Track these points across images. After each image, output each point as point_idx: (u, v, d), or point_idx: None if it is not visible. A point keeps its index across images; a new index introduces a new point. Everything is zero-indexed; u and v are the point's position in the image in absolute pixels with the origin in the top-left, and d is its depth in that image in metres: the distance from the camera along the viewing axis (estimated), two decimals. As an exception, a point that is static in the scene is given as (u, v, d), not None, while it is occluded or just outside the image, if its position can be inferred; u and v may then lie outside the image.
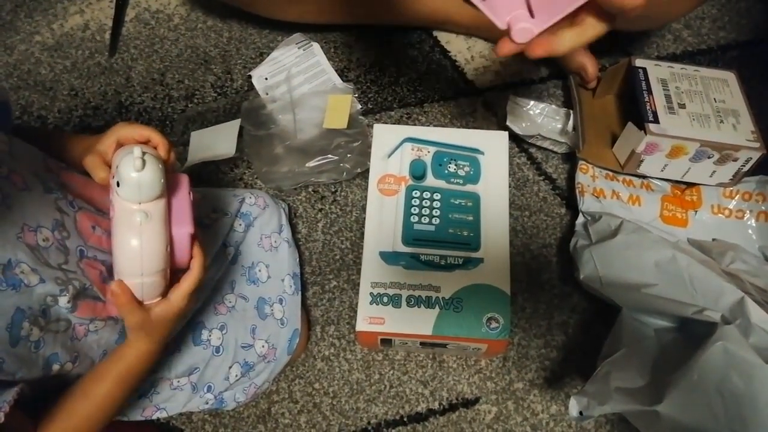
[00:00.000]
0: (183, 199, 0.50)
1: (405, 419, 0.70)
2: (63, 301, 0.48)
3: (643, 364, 0.58)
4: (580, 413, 0.57)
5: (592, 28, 0.41)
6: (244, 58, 0.90)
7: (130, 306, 0.48)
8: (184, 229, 0.49)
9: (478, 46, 0.90)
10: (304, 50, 0.87)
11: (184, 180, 0.52)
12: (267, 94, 0.85)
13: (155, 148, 0.51)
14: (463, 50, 0.89)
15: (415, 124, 0.84)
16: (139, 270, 0.47)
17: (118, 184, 0.46)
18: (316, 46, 0.88)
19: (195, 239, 0.51)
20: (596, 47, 0.82)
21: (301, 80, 0.86)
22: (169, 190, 0.49)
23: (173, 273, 0.51)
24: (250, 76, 0.87)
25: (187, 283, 0.50)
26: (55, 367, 0.49)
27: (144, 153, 0.45)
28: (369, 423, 0.70)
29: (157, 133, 0.52)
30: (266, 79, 0.86)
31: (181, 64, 0.90)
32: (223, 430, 0.69)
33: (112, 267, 0.53)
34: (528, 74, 0.88)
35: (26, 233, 0.47)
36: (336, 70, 0.87)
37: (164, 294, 0.50)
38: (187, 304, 0.51)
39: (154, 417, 0.63)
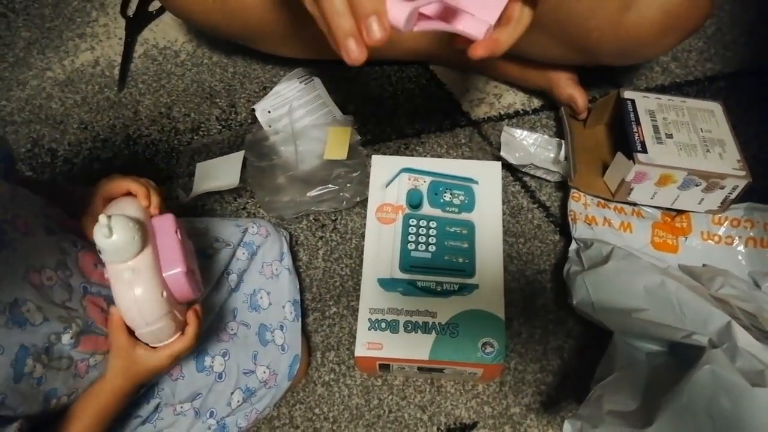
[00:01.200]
0: (170, 240, 0.53)
1: (404, 444, 0.71)
2: (66, 338, 0.50)
3: (635, 387, 0.59)
4: (574, 436, 0.58)
5: (522, 17, 0.44)
6: (248, 92, 0.93)
7: (120, 330, 0.52)
8: (175, 270, 0.52)
9: (473, 79, 0.93)
10: (305, 84, 0.91)
11: (170, 220, 0.54)
12: (270, 126, 0.88)
13: (136, 196, 0.54)
14: (459, 83, 0.93)
15: (412, 155, 0.87)
16: (143, 321, 0.51)
17: (99, 252, 0.49)
18: (317, 81, 0.91)
19: (193, 274, 0.54)
20: (586, 80, 0.85)
21: (302, 113, 0.89)
22: (154, 234, 0.52)
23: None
24: (253, 110, 0.90)
25: (177, 346, 0.54)
26: (53, 401, 0.50)
27: (109, 218, 0.47)
28: (368, 448, 0.71)
29: (135, 182, 0.55)
30: (269, 112, 0.89)
31: (187, 98, 0.93)
32: (225, 455, 0.71)
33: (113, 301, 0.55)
34: (521, 106, 0.91)
35: (31, 274, 0.48)
36: (336, 103, 0.90)
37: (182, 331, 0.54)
38: (171, 363, 0.54)
39: (158, 442, 0.65)
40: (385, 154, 0.87)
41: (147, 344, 0.54)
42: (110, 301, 0.55)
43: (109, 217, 0.47)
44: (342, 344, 0.76)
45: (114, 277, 0.50)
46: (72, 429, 0.52)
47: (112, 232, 0.48)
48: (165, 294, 0.51)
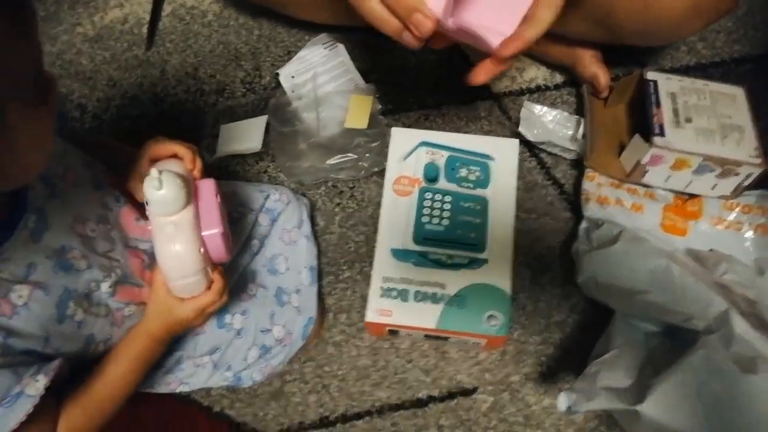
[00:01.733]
0: (211, 202, 0.56)
1: (406, 404, 0.75)
2: (105, 286, 0.54)
3: (630, 365, 0.62)
4: (569, 408, 0.61)
5: (546, 11, 0.49)
6: (272, 56, 0.94)
7: (162, 283, 0.56)
8: (213, 230, 0.55)
9: (497, 51, 0.93)
10: (329, 50, 0.92)
11: (211, 184, 0.57)
12: (293, 91, 0.90)
13: (182, 159, 0.57)
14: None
15: (432, 126, 0.88)
16: (180, 273, 0.54)
17: (147, 203, 0.52)
18: (341, 47, 0.92)
19: (227, 238, 0.57)
20: (610, 58, 0.85)
21: (326, 79, 0.90)
22: (196, 195, 0.55)
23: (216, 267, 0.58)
24: (277, 74, 0.91)
25: (204, 300, 0.57)
26: (92, 347, 0.55)
27: (161, 172, 0.51)
28: (373, 406, 0.75)
29: (182, 146, 0.58)
30: (293, 77, 0.91)
31: (213, 60, 0.95)
32: (239, 404, 0.75)
33: (153, 255, 0.59)
34: (543, 81, 0.91)
35: (77, 224, 0.52)
36: (359, 71, 0.91)
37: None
38: (197, 318, 0.58)
39: (178, 390, 0.70)
40: (405, 124, 0.88)
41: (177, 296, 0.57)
42: (149, 254, 0.59)
43: (161, 171, 0.51)
44: (353, 307, 0.79)
45: (157, 229, 0.53)
46: (110, 369, 0.57)
47: (162, 185, 0.51)
48: (201, 251, 0.55)
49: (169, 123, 0.91)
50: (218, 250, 0.57)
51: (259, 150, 0.82)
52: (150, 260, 0.59)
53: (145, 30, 0.97)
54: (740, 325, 0.58)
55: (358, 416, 0.75)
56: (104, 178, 0.58)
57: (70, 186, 0.53)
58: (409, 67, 0.93)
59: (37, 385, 0.47)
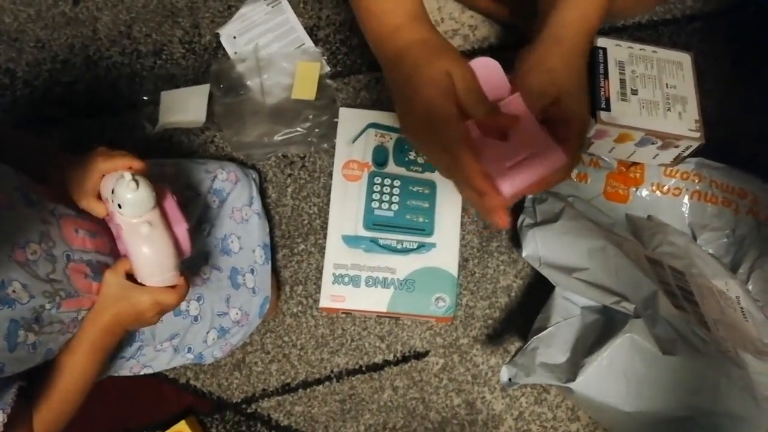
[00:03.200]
0: (170, 202, 0.58)
1: (364, 368, 0.80)
2: (49, 306, 0.53)
3: (566, 341, 0.67)
4: (509, 380, 0.67)
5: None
6: (211, 12, 0.89)
7: (116, 273, 0.57)
8: (181, 226, 0.58)
9: (449, 6, 0.89)
10: (273, 7, 0.87)
11: (166, 188, 0.59)
12: (235, 53, 0.85)
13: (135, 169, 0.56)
14: (433, 11, 0.89)
15: (382, 91, 0.86)
16: (159, 270, 0.56)
17: (119, 206, 0.53)
18: (285, 3, 0.87)
19: (192, 233, 0.59)
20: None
21: (269, 39, 0.86)
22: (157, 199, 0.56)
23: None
24: (218, 34, 0.86)
25: (164, 296, 0.58)
26: (51, 357, 0.56)
27: (133, 175, 0.52)
28: (332, 371, 0.80)
29: (134, 159, 0.57)
30: (234, 37, 0.86)
31: (147, 16, 0.88)
32: (203, 376, 0.79)
33: (96, 265, 0.59)
34: (496, 40, 0.89)
35: (16, 251, 0.51)
36: (305, 28, 0.87)
37: None
38: (150, 307, 0.58)
39: (142, 373, 0.72)
40: (355, 88, 0.86)
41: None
42: (93, 266, 0.58)
43: (132, 174, 0.52)
44: (309, 279, 0.82)
45: (130, 232, 0.55)
46: (68, 363, 0.57)
47: (139, 185, 0.52)
48: (174, 247, 0.57)
49: (105, 89, 0.86)
50: (186, 244, 0.59)
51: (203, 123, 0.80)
52: (93, 272, 0.58)
53: (69, -19, 0.89)
54: (665, 307, 0.63)
55: (318, 382, 0.79)
56: (34, 190, 0.56)
57: (2, 210, 0.51)
58: (358, 24, 0.88)
59: None
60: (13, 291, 0.50)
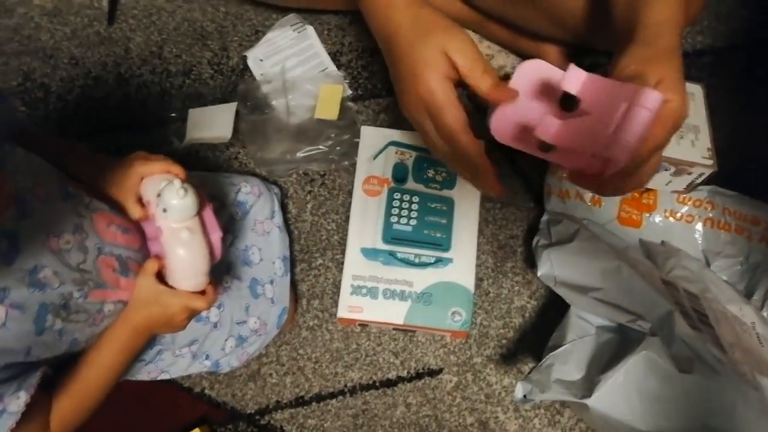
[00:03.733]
0: (208, 210, 0.62)
1: (377, 384, 0.80)
2: (77, 295, 0.55)
3: (581, 359, 0.68)
4: (524, 396, 0.67)
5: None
6: (240, 36, 0.93)
7: (149, 274, 0.59)
8: (216, 234, 0.61)
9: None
10: (298, 33, 0.90)
11: (204, 194, 0.61)
12: (262, 75, 0.89)
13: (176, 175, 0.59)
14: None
15: (401, 114, 0.89)
16: (193, 274, 0.59)
17: (164, 210, 0.56)
18: (310, 29, 0.90)
19: (225, 240, 0.62)
20: (578, 50, 0.86)
21: (294, 62, 0.89)
22: None
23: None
24: (245, 57, 0.90)
25: (194, 301, 0.60)
26: (75, 348, 0.57)
27: (182, 182, 0.55)
28: (346, 386, 0.80)
29: (174, 164, 0.60)
30: (261, 60, 0.89)
31: (178, 38, 0.92)
32: (218, 386, 0.80)
33: (125, 261, 0.61)
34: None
35: (50, 240, 0.53)
36: (329, 53, 0.91)
37: None
38: (179, 311, 0.60)
39: (159, 378, 0.73)
40: (374, 111, 0.89)
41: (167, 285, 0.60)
42: (122, 261, 0.60)
43: (182, 181, 0.56)
44: (326, 293, 0.83)
45: (170, 236, 0.58)
46: (95, 359, 0.59)
47: (187, 193, 0.55)
48: (209, 253, 0.60)
49: (136, 105, 0.89)
50: (219, 251, 0.62)
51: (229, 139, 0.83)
52: (121, 267, 0.60)
53: (105, 3, 0.93)
54: (681, 327, 0.64)
55: (332, 395, 0.80)
56: (70, 185, 0.59)
57: (40, 202, 0.53)
58: (379, 50, 0.92)
59: (18, 401, 0.50)
60: (44, 276, 0.52)
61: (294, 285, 0.83)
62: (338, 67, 0.90)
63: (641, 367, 0.61)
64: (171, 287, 0.60)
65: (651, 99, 0.44)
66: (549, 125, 0.48)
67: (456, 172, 0.55)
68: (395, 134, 0.74)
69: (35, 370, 0.53)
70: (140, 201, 0.61)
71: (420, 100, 0.52)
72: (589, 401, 0.62)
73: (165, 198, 0.56)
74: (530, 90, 0.53)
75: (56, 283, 0.53)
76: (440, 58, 0.50)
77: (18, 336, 0.50)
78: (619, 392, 0.62)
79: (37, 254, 0.52)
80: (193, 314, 0.62)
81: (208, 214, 0.62)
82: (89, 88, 0.90)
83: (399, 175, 0.73)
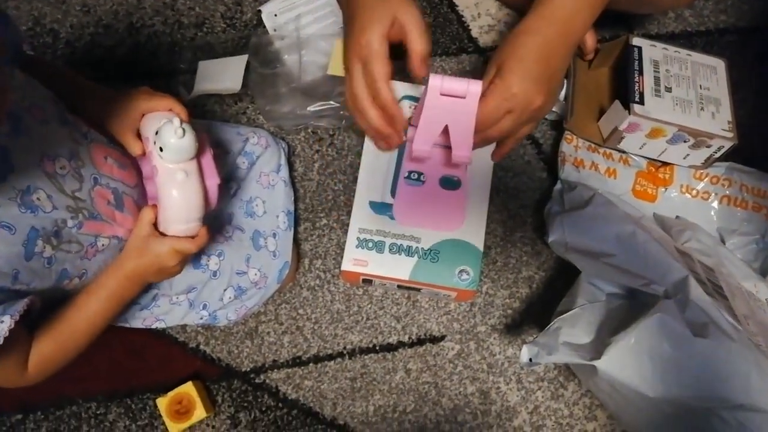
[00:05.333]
0: (208, 155, 0.59)
1: (377, 348, 0.78)
2: (71, 223, 0.53)
3: (591, 323, 0.65)
4: (530, 360, 0.65)
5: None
6: (255, -10, 0.91)
7: (146, 222, 0.57)
8: (214, 180, 0.59)
9: (487, 3, 0.91)
10: (315, -11, 0.89)
11: (205, 139, 0.59)
12: (275, 30, 0.87)
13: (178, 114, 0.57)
14: (471, 6, 0.91)
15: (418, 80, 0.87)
16: (185, 218, 0.57)
17: (161, 149, 0.54)
18: (327, -13, 0.89)
19: (221, 188, 0.60)
20: (599, 20, 0.84)
21: (310, 20, 0.87)
22: None
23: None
24: (259, 11, 0.88)
25: (183, 243, 0.58)
26: (65, 281, 0.55)
27: (182, 122, 0.53)
28: (345, 348, 0.78)
29: (177, 103, 0.58)
30: (275, 15, 0.88)
31: (193, -10, 0.91)
32: (214, 341, 0.77)
33: (120, 195, 0.59)
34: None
35: (45, 162, 0.51)
36: (345, 13, 0.89)
37: None
38: (170, 256, 0.58)
39: (153, 326, 0.71)
40: (388, 72, 0.87)
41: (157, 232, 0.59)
42: (117, 194, 0.59)
43: (181, 120, 0.53)
44: (329, 254, 0.81)
45: (165, 176, 0.56)
46: (84, 303, 0.57)
47: (185, 133, 0.53)
48: (204, 199, 0.58)
49: (145, 56, 0.88)
50: (214, 199, 0.60)
51: (238, 91, 0.81)
52: (116, 201, 0.59)
53: (120, -48, 0.92)
54: (696, 292, 0.62)
55: (330, 357, 0.78)
56: (69, 115, 0.57)
57: (36, 122, 0.51)
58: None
59: (1, 326, 0.47)
60: (38, 198, 0.50)
61: (297, 244, 0.81)
62: (353, 27, 0.88)
63: (654, 329, 0.59)
64: (161, 233, 0.58)
65: (470, 97, 0.59)
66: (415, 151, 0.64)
67: (362, 128, 0.66)
68: (409, 88, 0.72)
69: (21, 298, 0.51)
70: (140, 137, 0.59)
71: (359, 49, 0.60)
72: (597, 363, 0.59)
73: (162, 136, 0.54)
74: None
75: (49, 207, 0.51)
76: (387, 20, 0.59)
77: (6, 257, 0.48)
78: (630, 355, 0.59)
79: (31, 175, 0.50)
80: (184, 258, 0.60)
81: (208, 159, 0.60)
82: (99, 35, 0.89)
83: (410, 139, 0.70)
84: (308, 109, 0.80)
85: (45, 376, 0.56)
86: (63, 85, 0.59)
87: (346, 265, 0.67)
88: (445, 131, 0.62)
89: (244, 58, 0.83)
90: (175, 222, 0.57)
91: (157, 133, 0.54)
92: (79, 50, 0.88)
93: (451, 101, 0.60)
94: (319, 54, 0.84)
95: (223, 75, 0.83)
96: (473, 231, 0.68)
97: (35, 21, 0.88)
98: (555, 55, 0.61)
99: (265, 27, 0.88)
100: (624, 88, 0.76)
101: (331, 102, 0.80)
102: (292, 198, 0.78)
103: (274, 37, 0.86)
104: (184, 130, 0.53)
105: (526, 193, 0.84)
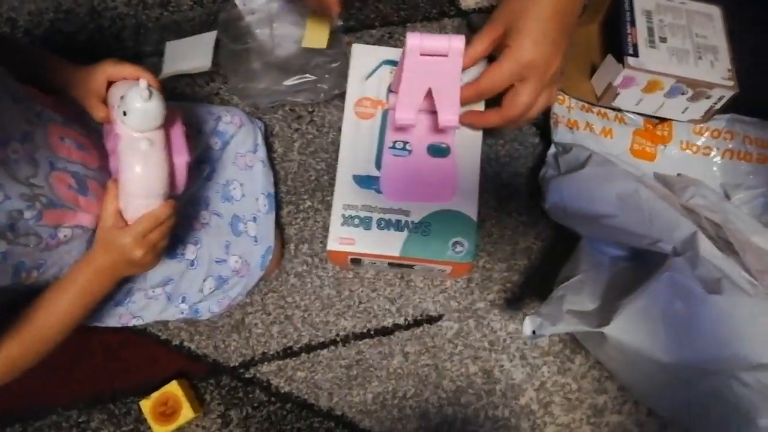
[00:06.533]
0: (178, 130, 0.55)
1: (372, 332, 0.74)
2: (28, 214, 0.49)
3: (596, 289, 0.61)
4: (533, 332, 0.61)
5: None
6: (221, -35, 0.86)
7: (112, 200, 0.52)
8: (182, 157, 0.55)
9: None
10: (284, -40, 0.84)
11: (177, 112, 0.55)
12: (245, 4, 0.82)
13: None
14: None
15: (397, 45, 0.83)
16: (145, 191, 0.52)
17: (124, 113, 0.49)
18: (296, -43, 0.84)
19: (190, 169, 0.55)
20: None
21: (280, -8, 0.83)
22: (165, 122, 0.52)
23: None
24: (227, -15, 0.84)
25: (141, 224, 0.53)
26: (23, 274, 0.51)
27: (149, 85, 0.49)
28: (338, 335, 0.74)
29: (145, 72, 0.54)
30: (244, -11, 0.83)
31: (155, -32, 0.86)
32: (198, 337, 0.73)
33: (82, 178, 0.54)
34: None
35: None
36: (317, -17, 0.84)
37: None
38: (136, 244, 0.53)
39: (131, 324, 0.66)
40: (367, 42, 0.83)
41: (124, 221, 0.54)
42: (78, 178, 0.54)
43: (148, 84, 0.49)
44: (315, 237, 0.76)
45: (130, 145, 0.51)
46: (53, 299, 0.53)
47: (152, 96, 0.49)
48: (168, 175, 0.53)
49: (109, 39, 0.83)
50: (182, 178, 0.56)
51: (209, 69, 0.76)
52: (78, 185, 0.54)
53: (76, -67, 0.87)
54: (706, 248, 0.58)
55: (323, 346, 0.73)
56: (23, 89, 0.52)
57: None
58: (372, -20, 0.86)
59: None
60: None
61: (281, 229, 0.76)
62: (327, -3, 0.84)
63: (664, 289, 0.55)
64: (126, 223, 0.54)
65: (453, 54, 0.55)
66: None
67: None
68: (390, 52, 0.68)
69: None
70: (105, 104, 0.55)
71: None
72: (606, 329, 0.56)
73: (128, 100, 0.49)
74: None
75: (0, 197, 0.46)
76: None
77: None
78: (640, 318, 0.55)
79: None
80: (152, 247, 0.55)
81: (177, 134, 0.55)
82: (60, 21, 0.84)
83: (393, 107, 0.66)
84: (284, 84, 0.76)
85: (13, 377, 0.52)
86: (18, 55, 0.55)
87: (332, 245, 0.62)
88: (429, 95, 0.58)
89: (213, 34, 0.78)
90: (134, 196, 0.52)
91: (122, 97, 0.50)
92: (38, 38, 0.83)
93: (433, 61, 0.55)
94: (292, 27, 0.79)
95: (193, 53, 0.78)
96: (465, 200, 0.64)
97: (-11, 10, 0.83)
98: (569, 9, 0.55)
99: (233, 2, 0.83)
100: (616, 42, 0.72)
101: (308, 75, 0.76)
102: (272, 179, 0.73)
103: (243, 12, 0.81)
104: (150, 92, 0.49)
105: (519, 160, 0.79)
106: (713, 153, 0.76)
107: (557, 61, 0.55)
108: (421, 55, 0.56)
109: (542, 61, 0.54)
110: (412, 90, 0.58)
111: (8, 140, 0.48)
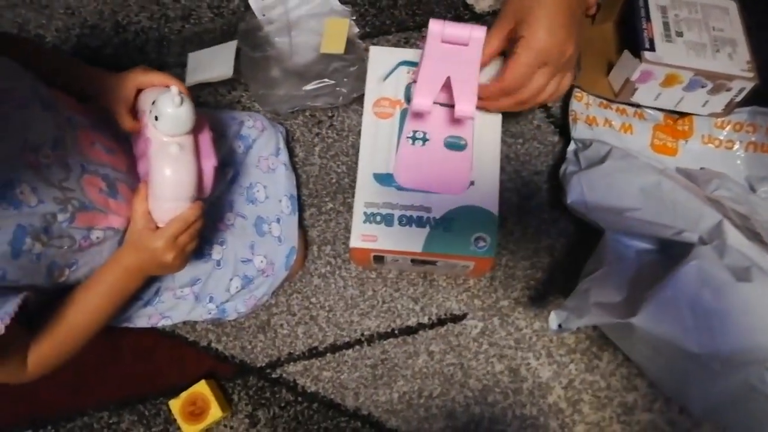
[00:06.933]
0: (206, 135, 0.57)
1: (396, 332, 0.74)
2: (61, 217, 0.50)
3: (622, 281, 0.61)
4: (559, 326, 0.60)
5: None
6: (241, -23, 0.88)
7: (142, 201, 0.54)
8: (210, 162, 0.57)
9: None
10: (301, -30, 0.86)
11: (204, 118, 0.57)
12: (264, 15, 0.84)
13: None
14: None
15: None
16: (174, 194, 0.54)
17: (156, 118, 0.51)
18: (313, -33, 0.86)
19: (217, 174, 0.57)
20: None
21: (298, 1, 0.85)
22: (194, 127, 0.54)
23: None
24: (247, -3, 0.86)
25: (172, 227, 0.55)
26: (56, 273, 0.52)
27: (180, 92, 0.51)
28: (362, 334, 0.74)
29: (174, 79, 0.56)
30: (263, 0, 0.85)
31: (177, -17, 0.88)
32: (226, 338, 0.74)
33: (113, 181, 0.56)
34: None
35: (27, 153, 0.48)
36: (334, -9, 0.86)
37: None
38: (166, 246, 0.55)
39: (160, 324, 0.68)
40: (384, 47, 0.84)
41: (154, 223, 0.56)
42: (109, 181, 0.56)
43: (179, 90, 0.51)
44: (338, 239, 0.77)
45: (158, 149, 0.53)
46: (83, 298, 0.54)
47: (183, 102, 0.51)
48: (197, 179, 0.55)
49: (133, 53, 0.85)
50: (209, 181, 0.57)
51: (231, 77, 0.78)
52: (109, 187, 0.55)
53: (101, -48, 0.90)
54: (733, 236, 0.57)
55: (348, 345, 0.74)
56: (52, 96, 0.54)
57: (14, 108, 0.48)
58: (387, -12, 0.88)
59: None
60: (21, 192, 0.47)
61: (304, 231, 0.77)
62: (343, 4, 0.86)
63: (692, 278, 0.54)
64: (157, 226, 0.55)
65: (474, 43, 0.57)
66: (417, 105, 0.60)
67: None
68: (406, 53, 0.69)
69: (11, 297, 0.47)
70: (133, 113, 0.56)
71: None
72: (634, 320, 0.55)
73: (159, 105, 0.51)
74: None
75: (34, 201, 0.48)
76: None
77: None
78: (669, 308, 0.55)
79: (11, 167, 0.47)
80: (181, 248, 0.56)
81: (205, 139, 0.57)
82: (86, 36, 0.86)
83: (412, 95, 0.67)
84: (303, 89, 0.77)
85: (46, 373, 0.54)
86: (48, 63, 0.57)
87: (355, 242, 0.63)
88: (448, 86, 0.59)
89: (234, 43, 0.80)
90: (163, 199, 0.54)
91: (154, 103, 0.52)
92: (66, 53, 0.85)
93: (453, 49, 0.56)
94: (310, 34, 0.81)
95: (214, 63, 0.80)
96: (486, 196, 0.64)
97: (20, 28, 0.86)
98: None
99: (252, 12, 0.85)
100: (632, 38, 0.72)
101: (327, 79, 0.77)
102: (294, 182, 0.74)
103: (263, 22, 0.83)
104: (182, 99, 0.51)
105: (539, 158, 0.80)
106: (736, 146, 0.75)
107: (570, 48, 0.56)
108: (442, 41, 0.56)
109: (556, 48, 0.55)
110: (431, 76, 0.59)
111: (40, 145, 0.49)
